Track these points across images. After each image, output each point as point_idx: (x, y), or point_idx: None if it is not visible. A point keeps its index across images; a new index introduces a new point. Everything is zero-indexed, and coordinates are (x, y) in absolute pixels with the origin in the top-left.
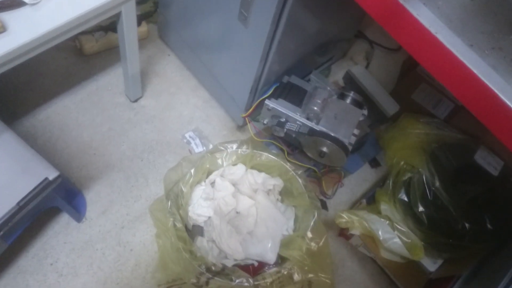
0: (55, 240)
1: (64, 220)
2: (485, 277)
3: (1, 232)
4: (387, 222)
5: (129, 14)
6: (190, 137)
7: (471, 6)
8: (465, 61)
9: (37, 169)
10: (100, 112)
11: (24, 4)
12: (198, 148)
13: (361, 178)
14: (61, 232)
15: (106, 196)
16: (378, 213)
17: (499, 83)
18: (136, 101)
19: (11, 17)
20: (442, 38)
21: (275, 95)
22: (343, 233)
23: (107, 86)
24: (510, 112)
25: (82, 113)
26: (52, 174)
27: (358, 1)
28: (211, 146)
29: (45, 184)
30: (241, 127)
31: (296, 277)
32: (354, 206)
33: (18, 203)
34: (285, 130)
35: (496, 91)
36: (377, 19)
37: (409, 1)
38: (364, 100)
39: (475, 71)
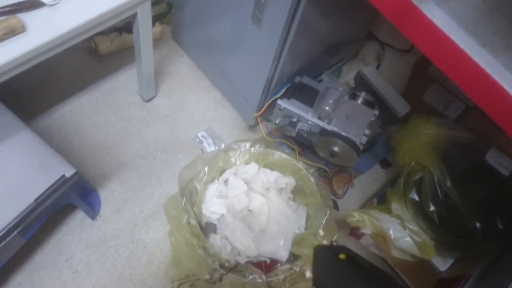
0: (70, 237)
1: (78, 217)
2: (496, 277)
3: (19, 228)
4: (398, 221)
5: (144, 15)
6: (202, 136)
7: (483, 7)
8: (478, 61)
9: (55, 166)
10: (114, 111)
11: (43, 4)
12: (210, 148)
13: (371, 178)
14: (76, 229)
15: (120, 194)
16: (389, 212)
17: None
18: (149, 100)
19: (30, 17)
20: (455, 38)
21: (287, 95)
22: (354, 233)
23: (121, 86)
24: None
25: (97, 112)
26: (69, 172)
27: (373, 2)
28: (223, 146)
29: (63, 181)
30: (252, 127)
31: (308, 274)
32: (364, 206)
33: (36, 200)
34: (296, 129)
35: (508, 90)
36: (390, 19)
37: (422, 2)
38: (376, 100)
39: (487, 70)
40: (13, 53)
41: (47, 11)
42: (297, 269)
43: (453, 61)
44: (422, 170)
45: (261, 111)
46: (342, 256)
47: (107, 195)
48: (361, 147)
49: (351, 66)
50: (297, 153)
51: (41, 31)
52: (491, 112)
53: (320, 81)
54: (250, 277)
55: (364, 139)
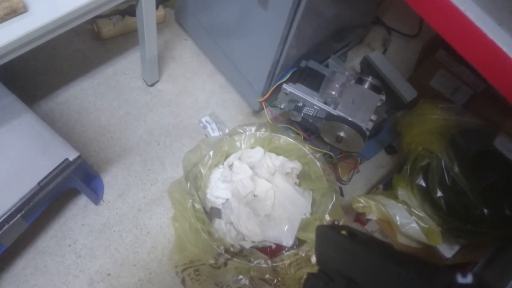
0: (73, 222)
1: (82, 202)
2: (502, 264)
3: (22, 212)
4: (405, 207)
5: None
6: (206, 121)
7: None
8: (494, 39)
9: (58, 149)
10: (117, 96)
11: None
12: (214, 133)
13: (377, 164)
14: (79, 214)
15: (123, 179)
16: (395, 198)
17: None
18: (153, 85)
19: None
20: (471, 15)
21: (292, 80)
22: (359, 219)
23: (124, 70)
24: None
25: (100, 96)
26: (72, 155)
27: None
28: (227, 131)
29: (66, 164)
30: (257, 112)
31: (314, 259)
32: (370, 192)
33: (39, 183)
34: (302, 114)
35: None
36: None
37: None
38: (382, 85)
39: (504, 48)
40: (15, 34)
41: None
42: (303, 254)
43: (469, 39)
44: (429, 156)
45: (266, 96)
46: (344, 232)
47: (110, 180)
48: (367, 132)
49: (357, 51)
50: (302, 138)
51: (44, 11)
52: (506, 92)
53: (326, 65)
54: (255, 262)
55: (370, 125)
